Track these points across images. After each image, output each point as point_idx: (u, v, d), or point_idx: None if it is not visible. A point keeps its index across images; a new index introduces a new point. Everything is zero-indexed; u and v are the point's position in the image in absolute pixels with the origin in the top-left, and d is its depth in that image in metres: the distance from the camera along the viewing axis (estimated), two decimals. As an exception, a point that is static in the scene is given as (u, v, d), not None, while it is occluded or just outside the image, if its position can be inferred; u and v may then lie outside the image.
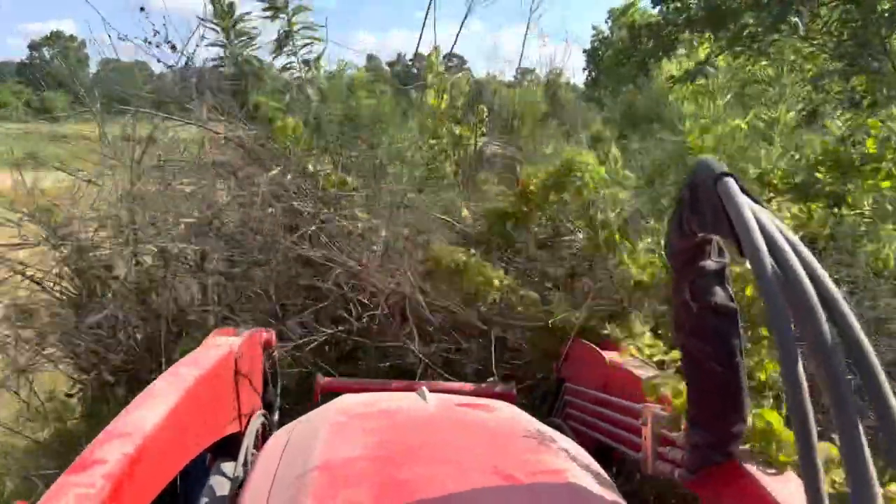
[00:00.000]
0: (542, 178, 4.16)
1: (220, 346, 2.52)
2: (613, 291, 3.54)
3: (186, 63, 5.63)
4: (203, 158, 4.79)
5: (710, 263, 1.41)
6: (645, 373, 2.50)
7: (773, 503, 1.47)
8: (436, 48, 6.91)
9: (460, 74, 7.16)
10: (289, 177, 4.48)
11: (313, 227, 4.25)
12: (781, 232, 1.04)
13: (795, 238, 1.04)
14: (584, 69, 20.59)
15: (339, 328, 4.07)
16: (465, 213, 4.71)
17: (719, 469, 1.66)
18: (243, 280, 4.29)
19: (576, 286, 3.95)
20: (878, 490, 0.92)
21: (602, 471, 1.81)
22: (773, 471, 1.60)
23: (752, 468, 1.59)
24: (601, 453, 2.25)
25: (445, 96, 6.49)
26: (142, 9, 5.31)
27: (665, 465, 1.89)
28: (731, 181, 1.11)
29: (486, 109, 6.78)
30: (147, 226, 4.26)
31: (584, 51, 20.62)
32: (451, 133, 6.23)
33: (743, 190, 1.10)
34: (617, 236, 3.66)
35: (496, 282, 3.82)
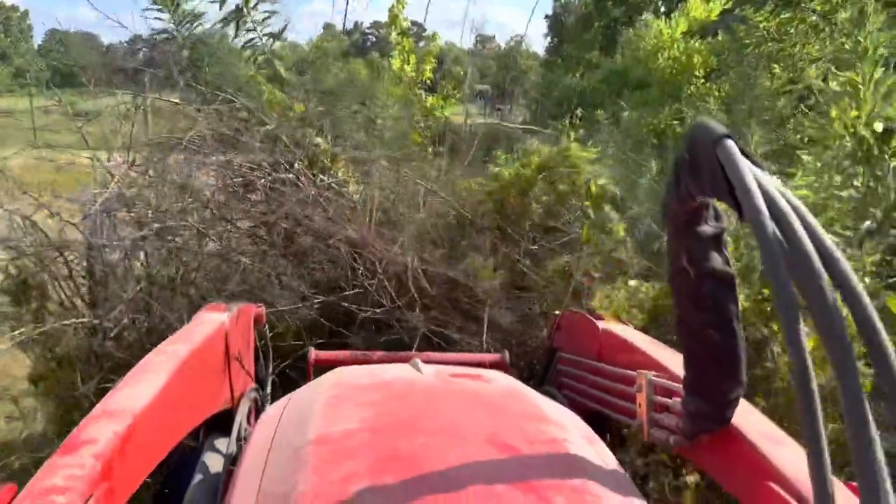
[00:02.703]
0: (537, 162, 4.19)
1: (210, 321, 2.49)
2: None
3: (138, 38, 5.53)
4: (197, 135, 4.69)
5: (707, 228, 1.39)
6: (639, 341, 2.50)
7: (768, 467, 1.47)
8: (398, 1, 6.61)
9: (431, 45, 6.93)
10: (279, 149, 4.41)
11: (312, 192, 4.21)
12: (783, 195, 1.01)
13: (797, 201, 1.02)
14: (546, 35, 20.27)
15: (334, 296, 4.06)
16: (470, 184, 4.65)
17: (715, 435, 1.67)
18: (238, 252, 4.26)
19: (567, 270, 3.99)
20: (880, 449, 0.92)
21: (599, 439, 1.81)
22: (767, 435, 1.60)
23: (746, 433, 1.59)
24: (594, 422, 2.25)
25: (413, 58, 6.24)
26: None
27: (660, 432, 1.89)
28: (731, 143, 1.08)
29: (462, 72, 6.57)
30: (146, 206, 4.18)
31: (546, 16, 20.26)
32: (421, 101, 6.04)
33: (744, 152, 1.08)
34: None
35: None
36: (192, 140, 4.53)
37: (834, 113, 3.56)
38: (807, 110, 4.58)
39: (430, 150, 5.56)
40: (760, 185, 1.01)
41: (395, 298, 3.96)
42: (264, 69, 5.82)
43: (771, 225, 0.98)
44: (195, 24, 6.13)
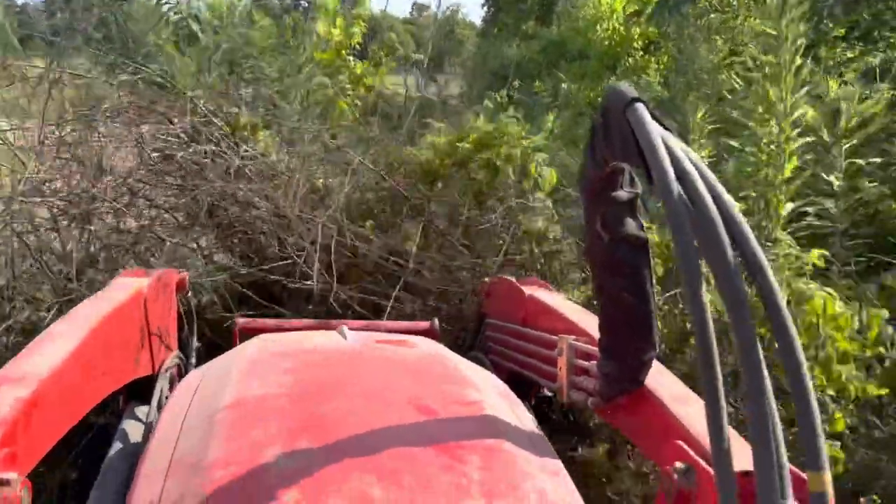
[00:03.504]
0: (472, 140, 4.18)
1: (126, 287, 2.40)
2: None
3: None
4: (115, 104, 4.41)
5: (622, 194, 1.41)
6: (562, 306, 2.55)
7: (676, 425, 1.53)
8: None
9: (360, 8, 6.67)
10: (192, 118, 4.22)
11: (237, 163, 4.06)
12: (689, 158, 1.04)
13: (702, 164, 1.04)
14: (483, 5, 20.14)
15: (262, 268, 3.98)
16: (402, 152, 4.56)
17: (629, 396, 1.72)
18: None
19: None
20: (772, 402, 0.97)
21: (518, 400, 1.84)
22: (678, 396, 1.67)
23: (658, 394, 1.65)
24: (520, 386, 2.29)
25: (340, 21, 5.94)
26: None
27: (579, 394, 1.94)
28: (640, 107, 1.09)
29: (396, 37, 6.36)
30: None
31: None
32: (349, 69, 5.81)
33: (653, 116, 1.09)
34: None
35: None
36: (104, 113, 4.27)
37: (757, 95, 3.65)
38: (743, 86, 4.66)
39: (360, 119, 5.37)
40: (668, 148, 1.03)
41: (325, 271, 3.90)
42: (185, 27, 5.54)
43: (677, 186, 1.00)
44: None
